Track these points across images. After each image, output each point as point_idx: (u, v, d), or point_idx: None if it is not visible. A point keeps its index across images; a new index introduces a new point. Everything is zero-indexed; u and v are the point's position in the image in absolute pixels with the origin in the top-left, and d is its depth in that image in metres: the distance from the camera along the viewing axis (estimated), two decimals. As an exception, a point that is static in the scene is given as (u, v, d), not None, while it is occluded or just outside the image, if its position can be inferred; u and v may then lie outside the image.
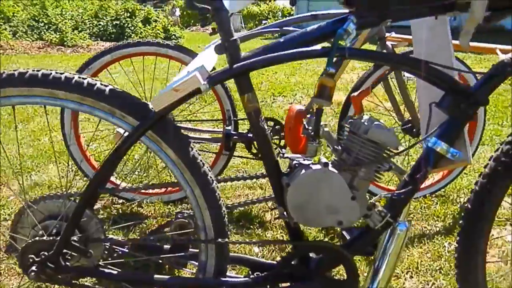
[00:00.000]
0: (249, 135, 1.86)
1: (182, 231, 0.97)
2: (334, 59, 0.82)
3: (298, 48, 0.84)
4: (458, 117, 0.91)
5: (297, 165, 0.91)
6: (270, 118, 1.72)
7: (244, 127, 2.46)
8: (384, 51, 1.81)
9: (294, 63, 5.96)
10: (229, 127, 1.77)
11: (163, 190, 1.93)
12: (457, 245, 1.02)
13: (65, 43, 8.33)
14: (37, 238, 0.87)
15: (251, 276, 0.97)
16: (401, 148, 0.93)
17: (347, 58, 0.81)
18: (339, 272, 1.34)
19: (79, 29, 9.35)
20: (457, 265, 1.03)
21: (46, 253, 0.85)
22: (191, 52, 1.75)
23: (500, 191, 0.94)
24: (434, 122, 0.94)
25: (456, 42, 1.57)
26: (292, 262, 0.98)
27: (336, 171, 0.88)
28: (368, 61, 0.83)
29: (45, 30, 8.86)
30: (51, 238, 0.87)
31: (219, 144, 1.93)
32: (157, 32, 9.30)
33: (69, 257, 0.87)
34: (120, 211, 1.88)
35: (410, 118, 1.71)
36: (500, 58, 0.93)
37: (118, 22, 10.09)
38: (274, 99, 4.04)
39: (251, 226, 1.71)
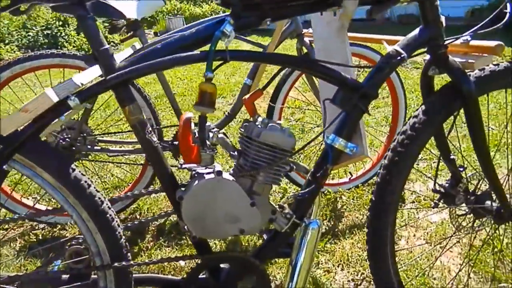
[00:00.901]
0: (174, 143, 1.80)
1: (78, 258, 0.89)
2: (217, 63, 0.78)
3: (177, 53, 0.79)
4: (351, 112, 0.91)
5: (194, 175, 0.87)
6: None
7: (170, 134, 2.39)
8: (303, 47, 1.84)
9: (235, 62, 5.93)
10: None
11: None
12: (367, 237, 1.03)
13: (-10, 57, 7.75)
14: None
15: (160, 296, 0.92)
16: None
17: (228, 61, 0.78)
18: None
19: (6, 41, 8.74)
20: (368, 256, 1.04)
21: None
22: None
23: (399, 181, 0.96)
24: (332, 118, 0.93)
25: (366, 35, 1.60)
26: (203, 275, 0.94)
27: (231, 178, 0.84)
28: (253, 61, 0.80)
29: (-34, 45, 8.19)
30: None
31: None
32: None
33: None
34: (41, 237, 1.74)
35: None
36: (387, 50, 0.94)
37: (49, 32, 9.54)
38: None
39: (183, 237, 1.66)
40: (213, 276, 0.94)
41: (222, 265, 0.95)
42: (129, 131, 2.43)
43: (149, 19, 12.79)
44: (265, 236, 1.21)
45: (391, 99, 2.00)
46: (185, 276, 0.92)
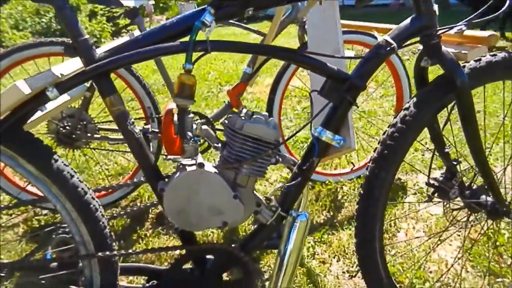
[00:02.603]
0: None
1: (65, 247, 0.90)
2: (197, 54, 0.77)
3: (158, 43, 0.78)
4: (339, 104, 0.89)
5: (178, 167, 0.87)
6: (196, 112, 1.66)
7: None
8: (305, 35, 1.80)
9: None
10: (148, 126, 1.70)
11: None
12: (355, 230, 1.02)
13: (4, 43, 7.85)
14: None
15: (146, 285, 0.93)
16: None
17: (209, 52, 0.76)
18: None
19: (20, 27, 8.83)
20: (355, 250, 1.03)
21: None
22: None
23: (388, 175, 0.94)
24: (318, 109, 0.91)
25: (359, 23, 1.56)
26: (187, 266, 0.94)
27: (213, 170, 0.84)
28: (237, 52, 0.78)
29: (-19, 31, 8.31)
30: None
31: (145, 142, 1.86)
32: (103, 26, 8.92)
33: None
34: (43, 223, 1.78)
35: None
36: (378, 39, 0.91)
37: (62, 18, 9.61)
38: (220, 88, 3.97)
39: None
40: (198, 267, 0.95)
41: (207, 256, 0.96)
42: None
43: (161, 5, 12.74)
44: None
45: (395, 87, 1.96)
46: (169, 266, 0.93)
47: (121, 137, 1.92)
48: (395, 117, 0.95)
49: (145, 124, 1.75)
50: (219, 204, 0.85)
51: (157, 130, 1.71)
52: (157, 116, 1.81)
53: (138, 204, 1.91)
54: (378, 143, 0.96)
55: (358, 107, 0.92)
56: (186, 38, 0.79)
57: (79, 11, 10.00)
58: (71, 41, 0.77)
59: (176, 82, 0.76)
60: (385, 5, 8.95)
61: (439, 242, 1.55)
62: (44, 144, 0.81)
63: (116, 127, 1.94)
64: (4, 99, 0.67)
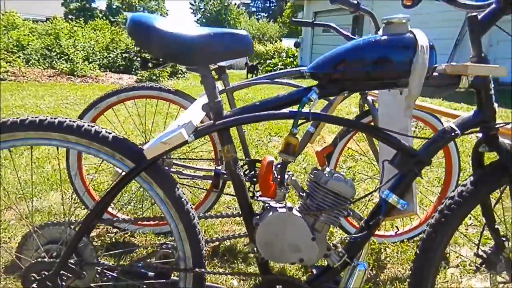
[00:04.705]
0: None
1: (165, 260, 1.10)
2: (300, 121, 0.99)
3: (271, 110, 1.01)
4: (406, 174, 1.07)
5: (267, 207, 1.07)
6: (254, 160, 1.89)
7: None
8: (366, 105, 2.02)
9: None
10: (220, 167, 1.93)
11: (154, 222, 2.07)
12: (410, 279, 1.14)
13: (75, 73, 8.68)
14: (39, 259, 1.01)
15: (224, 305, 1.10)
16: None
17: (310, 121, 0.98)
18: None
19: (90, 60, 9.76)
20: None
21: (46, 273, 0.99)
22: (189, 97, 1.94)
23: (442, 240, 1.08)
24: (389, 176, 1.10)
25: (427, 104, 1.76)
26: (261, 294, 1.11)
27: (299, 214, 1.03)
28: (330, 123, 1.00)
29: (57, 60, 9.25)
30: (51, 260, 1.01)
31: (211, 181, 2.08)
32: (163, 68, 9.65)
33: (66, 278, 1.01)
34: (114, 240, 2.00)
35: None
36: (444, 124, 1.10)
37: (127, 55, 10.52)
38: (270, 139, 4.22)
39: (235, 260, 1.84)
40: (269, 296, 1.11)
41: (278, 287, 1.12)
42: (200, 158, 2.70)
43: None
44: (314, 271, 1.36)
45: (445, 162, 2.11)
46: (246, 291, 1.10)
47: (192, 174, 2.17)
48: (453, 191, 1.11)
49: (217, 165, 1.98)
50: (299, 243, 1.03)
51: (224, 171, 1.93)
52: (247, 160, 2.04)
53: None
54: (436, 211, 1.12)
55: (422, 178, 1.09)
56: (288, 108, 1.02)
57: (143, 51, 10.87)
58: (207, 101, 1.02)
59: (283, 141, 0.98)
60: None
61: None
62: (170, 175, 1.04)
63: (188, 164, 2.19)
64: (172, 141, 0.91)
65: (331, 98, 1.75)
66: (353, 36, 1.96)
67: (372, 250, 2.07)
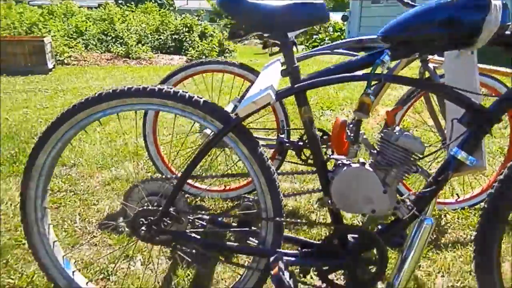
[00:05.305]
0: (299, 143, 2.12)
1: (248, 211, 1.25)
2: (373, 82, 1.07)
3: (344, 73, 1.10)
4: (476, 131, 1.12)
5: (340, 164, 1.16)
6: (320, 129, 1.97)
7: (295, 136, 2.72)
8: (427, 71, 2.03)
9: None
10: (282, 136, 2.04)
11: (222, 188, 2.25)
12: (474, 246, 1.19)
13: (130, 55, 9.11)
14: (144, 208, 1.18)
15: (299, 251, 1.23)
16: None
17: (383, 82, 1.05)
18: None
19: (142, 42, 10.17)
20: (474, 270, 1.19)
21: (151, 218, 1.16)
22: (253, 70, 2.06)
23: (504, 211, 1.11)
24: (457, 133, 1.15)
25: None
26: (333, 242, 1.22)
27: (371, 169, 1.12)
28: (402, 84, 1.06)
29: (112, 43, 9.74)
30: (155, 208, 1.18)
31: (273, 150, 2.21)
32: (212, 46, 9.86)
33: (166, 223, 1.18)
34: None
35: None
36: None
37: (177, 37, 10.83)
38: (322, 112, 4.27)
39: (308, 214, 1.96)
40: (341, 244, 1.22)
41: (349, 237, 1.23)
42: (264, 128, 2.82)
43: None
44: (379, 227, 1.45)
45: (510, 130, 2.07)
46: (319, 240, 1.22)
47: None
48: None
49: (279, 134, 2.10)
50: (372, 195, 1.12)
51: (287, 140, 2.05)
52: (287, 128, 2.16)
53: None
54: (497, 180, 1.14)
55: (492, 135, 1.13)
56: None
57: (192, 32, 11.15)
58: (285, 67, 1.12)
59: (358, 101, 1.06)
60: None
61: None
62: (253, 135, 1.17)
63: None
64: (260, 101, 1.03)
65: (392, 66, 1.79)
66: (413, 3, 1.95)
67: (433, 216, 2.11)
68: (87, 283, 1.30)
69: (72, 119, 1.13)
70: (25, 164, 1.18)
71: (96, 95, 1.13)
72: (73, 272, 1.28)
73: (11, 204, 2.13)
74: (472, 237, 1.96)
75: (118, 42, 9.78)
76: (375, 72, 1.06)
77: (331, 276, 1.23)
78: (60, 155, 1.20)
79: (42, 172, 1.17)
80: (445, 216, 2.14)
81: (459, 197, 2.22)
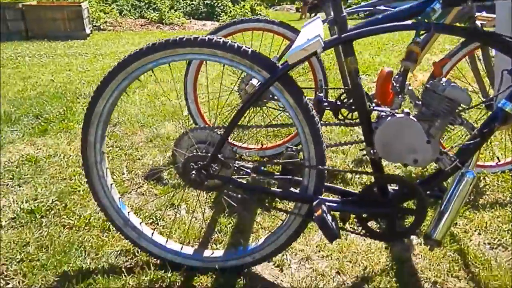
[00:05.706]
0: (337, 103, 2.13)
1: (291, 160, 1.30)
2: (422, 32, 1.06)
3: (393, 22, 1.09)
4: (526, 83, 1.10)
5: (383, 115, 1.18)
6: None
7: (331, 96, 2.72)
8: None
9: (380, 43, 6.00)
10: (321, 94, 2.06)
11: (259, 146, 2.31)
12: None
13: (163, 21, 9.16)
14: (194, 154, 1.26)
15: (340, 199, 1.28)
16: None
17: (431, 32, 1.05)
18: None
19: (175, 8, 10.17)
20: None
21: (201, 163, 1.24)
22: (293, 28, 2.05)
23: None
24: (506, 85, 1.13)
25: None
26: (373, 191, 1.26)
27: (415, 119, 1.13)
28: (448, 34, 1.05)
29: (146, 9, 9.80)
30: (203, 154, 1.25)
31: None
32: (245, 11, 9.74)
33: (214, 169, 1.25)
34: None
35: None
36: None
37: (209, 2, 10.74)
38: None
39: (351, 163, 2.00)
40: (382, 193, 1.26)
41: (389, 186, 1.26)
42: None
43: None
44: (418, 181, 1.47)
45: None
46: (359, 190, 1.26)
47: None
48: None
49: (318, 93, 2.11)
50: (415, 145, 1.14)
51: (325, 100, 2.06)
52: (325, 87, 2.16)
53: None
54: None
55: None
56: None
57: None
58: (333, 17, 1.13)
59: (406, 50, 1.06)
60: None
61: None
62: (298, 85, 1.20)
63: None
64: (310, 48, 1.05)
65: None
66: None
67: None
68: (140, 223, 1.41)
69: (128, 68, 1.20)
70: (85, 111, 1.27)
71: (150, 45, 1.19)
72: (128, 212, 1.39)
73: (64, 156, 2.29)
74: (510, 199, 1.96)
75: (151, 8, 9.83)
76: (425, 21, 1.05)
77: (370, 224, 1.27)
78: (116, 104, 1.29)
79: (101, 118, 1.26)
80: (484, 178, 2.13)
81: (499, 161, 2.19)
